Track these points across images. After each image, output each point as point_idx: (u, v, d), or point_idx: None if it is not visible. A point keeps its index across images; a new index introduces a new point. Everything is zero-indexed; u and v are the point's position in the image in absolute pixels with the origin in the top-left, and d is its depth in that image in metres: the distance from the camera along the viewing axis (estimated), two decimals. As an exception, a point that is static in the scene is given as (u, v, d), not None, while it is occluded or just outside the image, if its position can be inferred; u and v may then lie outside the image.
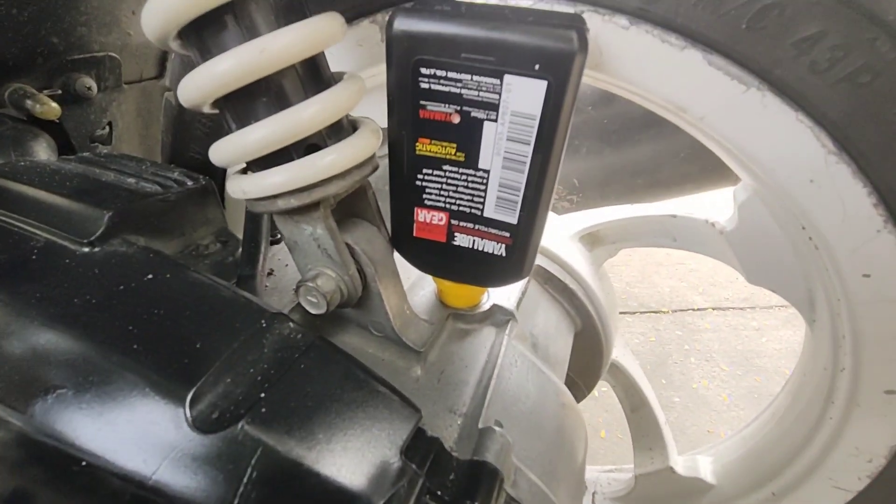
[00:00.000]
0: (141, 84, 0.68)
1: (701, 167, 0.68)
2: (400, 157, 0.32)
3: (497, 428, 0.34)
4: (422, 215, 0.34)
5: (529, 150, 0.30)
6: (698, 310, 1.79)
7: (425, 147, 0.32)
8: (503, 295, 0.47)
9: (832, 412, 0.44)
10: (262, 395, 0.29)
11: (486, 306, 0.45)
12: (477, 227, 0.34)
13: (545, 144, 0.30)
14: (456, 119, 0.30)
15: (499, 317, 0.46)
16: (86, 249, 0.36)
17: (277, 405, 0.28)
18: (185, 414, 0.27)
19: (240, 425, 0.27)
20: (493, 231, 0.34)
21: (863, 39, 0.30)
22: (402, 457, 0.28)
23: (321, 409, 0.29)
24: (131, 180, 0.43)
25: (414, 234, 0.35)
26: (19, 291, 0.32)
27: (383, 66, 0.31)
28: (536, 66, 0.27)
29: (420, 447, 0.30)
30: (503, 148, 0.31)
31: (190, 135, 0.54)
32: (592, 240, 0.59)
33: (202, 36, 0.27)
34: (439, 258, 0.36)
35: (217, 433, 0.27)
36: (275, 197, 0.30)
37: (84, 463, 0.26)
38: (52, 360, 0.28)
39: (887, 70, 0.30)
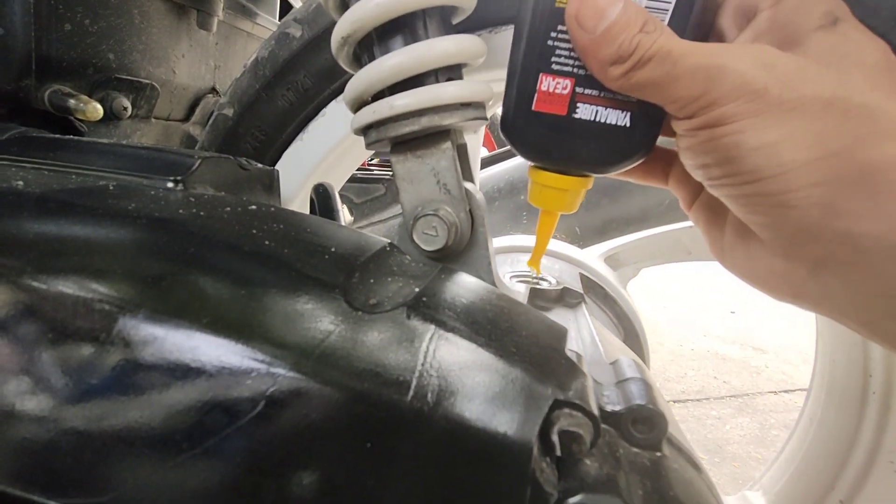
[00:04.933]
0: (167, 122, 0.68)
1: (681, 211, 0.79)
2: (535, 15, 0.31)
3: (623, 357, 0.33)
4: (546, 83, 0.32)
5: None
6: (661, 403, 1.82)
7: None
8: (568, 284, 0.48)
9: (874, 386, 0.47)
10: (417, 289, 0.26)
11: (556, 288, 0.46)
12: (602, 93, 0.32)
13: None
14: None
15: (569, 299, 0.46)
16: (170, 185, 0.33)
17: (436, 298, 0.26)
18: (342, 300, 0.24)
19: (402, 311, 0.24)
20: (619, 97, 0.32)
21: None
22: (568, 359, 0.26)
23: (479, 305, 0.27)
24: (204, 153, 0.43)
25: (533, 108, 0.33)
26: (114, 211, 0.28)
27: None
28: None
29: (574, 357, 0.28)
30: (643, 2, 0.29)
31: (238, 150, 0.54)
32: (614, 263, 0.63)
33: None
34: (556, 138, 0.33)
35: (381, 314, 0.23)
36: (417, 115, 0.32)
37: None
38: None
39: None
